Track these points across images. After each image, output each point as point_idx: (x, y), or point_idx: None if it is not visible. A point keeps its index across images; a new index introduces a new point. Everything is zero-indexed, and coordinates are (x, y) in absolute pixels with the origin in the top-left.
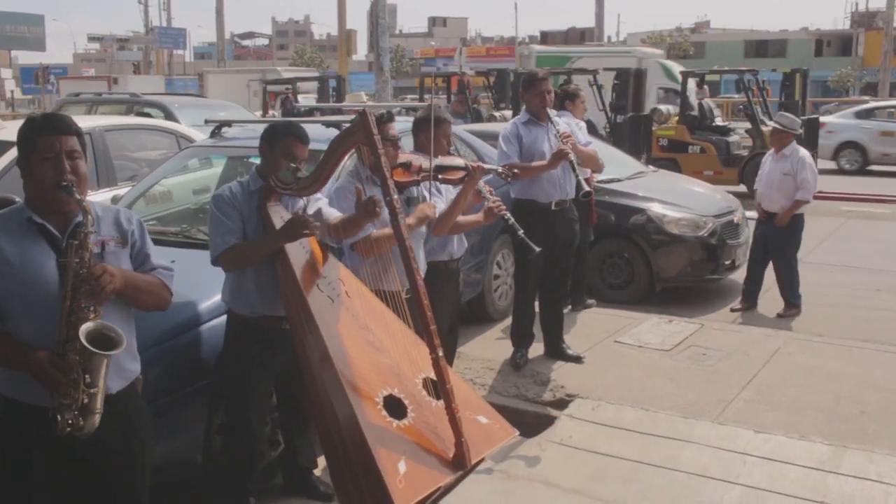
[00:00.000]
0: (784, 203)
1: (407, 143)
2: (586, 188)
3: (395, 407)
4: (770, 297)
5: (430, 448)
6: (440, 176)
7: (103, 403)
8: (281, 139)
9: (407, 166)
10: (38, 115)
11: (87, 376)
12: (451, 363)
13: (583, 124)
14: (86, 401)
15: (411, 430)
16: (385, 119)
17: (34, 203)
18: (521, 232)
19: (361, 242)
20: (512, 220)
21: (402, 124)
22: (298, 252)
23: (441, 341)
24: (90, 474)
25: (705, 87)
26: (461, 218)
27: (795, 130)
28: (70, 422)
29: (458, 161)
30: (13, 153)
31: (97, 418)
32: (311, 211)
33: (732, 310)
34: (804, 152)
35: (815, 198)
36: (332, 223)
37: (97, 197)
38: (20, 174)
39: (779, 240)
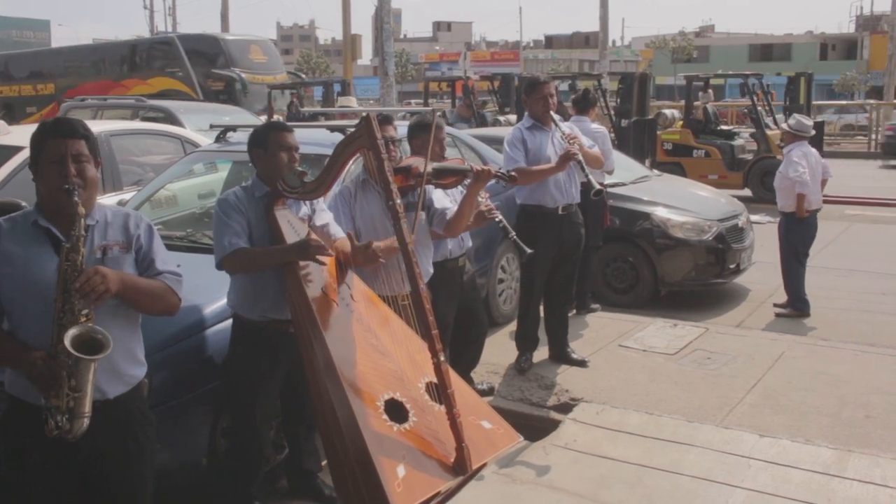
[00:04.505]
0: (784, 201)
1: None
2: (597, 186)
3: (396, 411)
4: (780, 299)
5: (430, 452)
6: (434, 181)
7: (96, 409)
8: (268, 138)
9: (406, 171)
10: (49, 119)
11: (72, 380)
12: (474, 365)
13: (603, 131)
14: (71, 404)
15: (412, 434)
16: (382, 121)
17: (43, 206)
18: (512, 234)
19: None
20: (503, 222)
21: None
22: None
23: (445, 342)
24: (90, 478)
25: (710, 91)
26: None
27: (802, 133)
28: (59, 424)
29: (459, 165)
30: (19, 158)
31: (85, 422)
32: (318, 223)
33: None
34: (795, 151)
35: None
36: (339, 249)
37: (103, 201)
38: (33, 177)
39: (779, 239)
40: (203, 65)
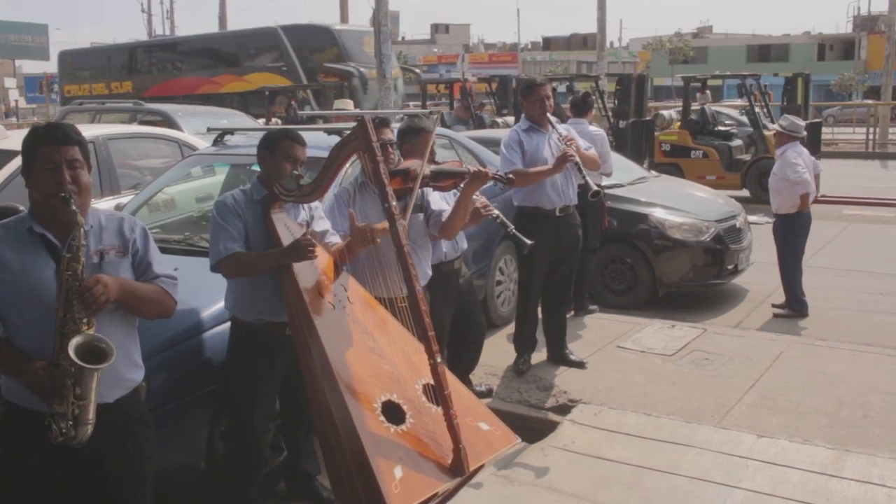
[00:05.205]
0: (777, 203)
1: None
2: (594, 188)
3: (393, 412)
4: (778, 300)
5: (427, 454)
6: (432, 183)
7: (96, 414)
8: (279, 144)
9: (405, 174)
10: (41, 125)
11: (77, 388)
12: (473, 367)
13: (602, 133)
14: (76, 412)
15: (409, 435)
16: (379, 123)
17: (37, 212)
18: (511, 228)
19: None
20: (501, 217)
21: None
22: None
23: (442, 344)
24: (90, 482)
25: (707, 91)
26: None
27: (795, 133)
28: (63, 431)
29: (457, 168)
30: (17, 162)
31: (89, 429)
32: (316, 228)
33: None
34: (790, 152)
35: (818, 201)
36: (336, 251)
37: (100, 205)
38: (25, 184)
39: (776, 240)
40: (311, 59)
